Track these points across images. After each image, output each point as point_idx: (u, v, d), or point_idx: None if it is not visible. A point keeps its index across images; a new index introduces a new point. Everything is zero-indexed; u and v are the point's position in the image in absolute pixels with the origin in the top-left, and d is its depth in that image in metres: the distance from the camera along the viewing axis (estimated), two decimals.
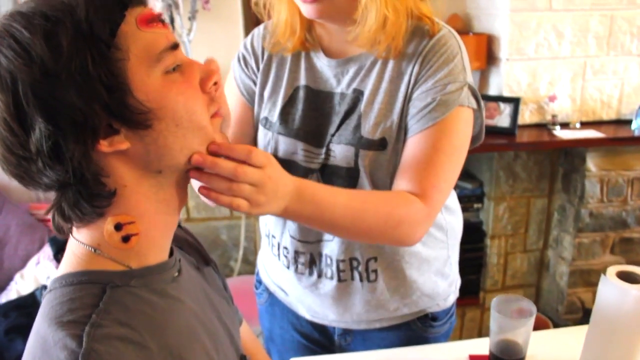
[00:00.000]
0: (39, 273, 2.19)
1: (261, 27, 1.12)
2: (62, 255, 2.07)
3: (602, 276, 1.07)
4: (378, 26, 0.93)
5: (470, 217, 2.51)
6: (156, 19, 0.63)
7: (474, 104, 0.97)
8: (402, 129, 0.97)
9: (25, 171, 0.60)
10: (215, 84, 0.69)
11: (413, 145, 0.96)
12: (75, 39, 0.55)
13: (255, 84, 1.10)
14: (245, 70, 1.11)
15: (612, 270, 1.07)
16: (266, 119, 1.07)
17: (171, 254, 0.73)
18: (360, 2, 0.91)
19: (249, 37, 1.13)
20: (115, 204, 0.63)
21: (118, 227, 0.63)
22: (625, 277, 1.03)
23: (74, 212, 0.62)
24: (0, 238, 2.27)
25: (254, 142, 1.11)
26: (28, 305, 2.13)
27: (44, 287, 2.16)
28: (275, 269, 1.17)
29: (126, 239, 0.64)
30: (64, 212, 0.63)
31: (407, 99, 0.96)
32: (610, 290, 0.95)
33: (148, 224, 0.66)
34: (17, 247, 2.29)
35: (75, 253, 0.65)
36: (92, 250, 0.64)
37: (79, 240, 0.65)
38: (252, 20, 2.39)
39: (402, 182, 0.95)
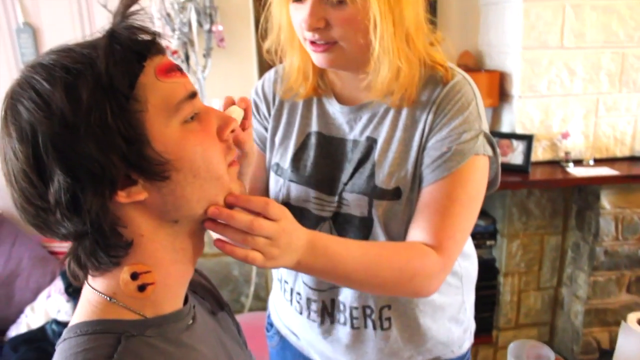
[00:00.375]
0: (49, 306, 2.19)
1: (272, 71, 1.12)
2: (72, 289, 2.05)
3: (623, 323, 1.05)
4: (391, 77, 0.92)
5: (483, 254, 2.48)
6: (174, 69, 0.63)
7: (489, 152, 0.96)
8: (416, 178, 0.96)
9: (43, 221, 0.60)
10: (233, 131, 0.69)
11: (428, 195, 0.94)
12: (95, 91, 0.56)
13: (266, 130, 1.10)
14: (257, 116, 1.11)
15: (632, 317, 1.05)
16: (277, 165, 1.07)
17: (186, 300, 0.72)
18: (372, 54, 0.91)
19: (260, 82, 1.13)
20: (132, 253, 0.63)
21: (134, 276, 0.63)
22: None
23: (91, 261, 0.62)
24: (12, 270, 2.28)
25: (267, 187, 1.10)
26: (38, 340, 2.12)
27: (55, 321, 2.15)
28: (287, 313, 1.16)
29: (142, 288, 0.64)
30: (80, 260, 0.63)
31: (422, 148, 0.95)
32: (631, 338, 0.94)
33: (164, 273, 0.65)
34: (29, 280, 2.30)
35: (90, 301, 0.64)
36: (108, 298, 0.63)
37: (94, 288, 0.65)
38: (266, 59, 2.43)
39: (416, 233, 0.93)
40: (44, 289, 2.27)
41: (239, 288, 2.50)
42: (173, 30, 2.06)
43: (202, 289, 0.84)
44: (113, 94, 0.57)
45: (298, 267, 0.78)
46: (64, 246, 2.37)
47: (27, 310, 2.22)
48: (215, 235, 0.71)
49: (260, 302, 2.52)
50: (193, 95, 0.64)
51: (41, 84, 0.56)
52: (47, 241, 2.40)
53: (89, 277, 0.65)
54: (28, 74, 0.58)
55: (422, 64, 0.96)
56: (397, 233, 0.98)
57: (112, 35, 0.58)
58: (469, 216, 0.94)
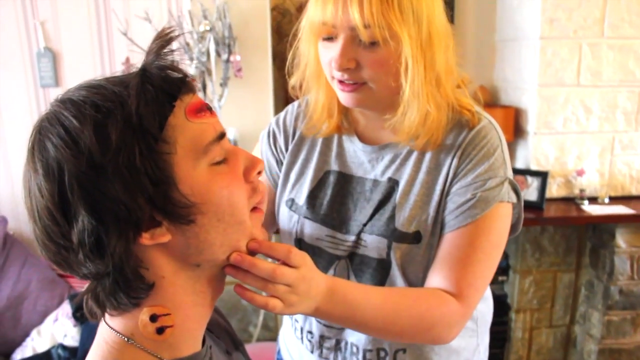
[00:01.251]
0: (56, 330, 2.17)
1: (295, 104, 1.11)
2: (80, 314, 2.02)
3: None
4: (420, 121, 0.91)
5: (495, 289, 2.45)
6: (204, 108, 0.62)
7: (514, 199, 0.95)
8: (437, 223, 0.94)
9: (64, 259, 0.59)
10: (259, 173, 0.68)
11: (450, 242, 0.92)
12: (125, 132, 0.55)
13: (279, 163, 1.09)
14: (273, 148, 1.10)
15: None
16: (292, 200, 1.06)
17: (203, 341, 0.71)
18: (402, 97, 0.90)
19: (282, 113, 1.12)
20: (152, 294, 0.62)
21: (153, 318, 0.62)
22: None
23: (110, 301, 0.61)
24: (20, 292, 2.26)
25: (273, 219, 1.10)
26: None
27: (61, 345, 2.13)
28: (298, 351, 1.14)
29: (161, 330, 0.62)
30: (98, 299, 0.62)
31: (446, 193, 0.94)
32: None
33: (183, 315, 0.64)
34: (36, 303, 2.28)
35: (107, 341, 0.63)
36: (125, 339, 0.62)
37: (111, 327, 0.63)
38: (282, 89, 2.45)
39: (437, 279, 0.91)
40: (52, 312, 2.25)
41: (248, 317, 2.48)
42: (191, 59, 2.08)
43: (217, 328, 0.82)
44: (142, 135, 0.55)
45: (316, 314, 0.77)
46: None
47: (34, 333, 2.20)
48: None
49: (269, 332, 2.50)
50: (222, 136, 0.63)
51: (70, 121, 0.55)
52: None
53: (107, 315, 0.64)
54: (57, 109, 0.57)
55: (450, 108, 0.95)
56: (415, 277, 0.97)
57: (144, 74, 0.58)
58: (490, 264, 0.93)
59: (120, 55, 2.33)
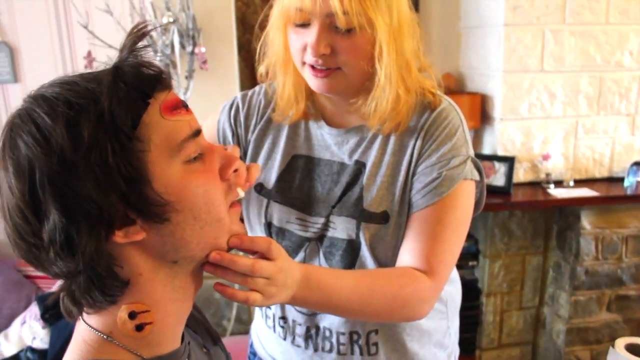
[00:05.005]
0: (24, 333, 2.12)
1: (263, 87, 1.11)
2: (49, 315, 1.98)
3: (611, 348, 1.06)
4: (392, 106, 0.94)
5: (465, 274, 2.49)
6: (180, 105, 0.61)
7: (476, 176, 0.98)
8: (404, 203, 0.97)
9: (35, 257, 0.58)
10: (235, 170, 0.67)
11: (418, 220, 0.95)
12: (97, 129, 0.54)
13: (234, 135, 1.09)
14: (232, 119, 1.09)
15: (620, 343, 1.06)
16: (261, 185, 1.06)
17: (182, 337, 0.70)
18: (378, 83, 0.93)
19: (250, 92, 1.12)
20: (130, 291, 0.61)
21: (132, 315, 0.61)
22: (633, 349, 1.02)
23: (85, 299, 0.60)
24: None
25: None
26: None
27: (29, 348, 2.08)
28: (270, 341, 1.14)
29: (140, 327, 0.62)
30: (74, 297, 0.60)
31: (412, 174, 0.97)
32: None
33: (163, 312, 0.64)
34: (2, 306, 2.23)
35: (85, 339, 0.62)
36: (104, 337, 0.61)
37: (90, 325, 0.62)
38: (249, 80, 2.42)
39: (407, 257, 0.94)
40: (19, 314, 2.20)
41: (221, 311, 2.46)
42: (155, 52, 2.04)
43: (194, 322, 0.82)
44: (115, 133, 0.54)
45: (293, 302, 0.79)
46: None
47: (1, 337, 2.15)
48: None
49: (243, 325, 2.49)
50: (197, 133, 0.62)
51: (42, 118, 0.54)
52: (22, 265, 2.33)
53: (84, 314, 0.63)
54: (29, 106, 0.56)
55: (415, 92, 0.98)
56: (385, 257, 0.99)
57: (116, 71, 0.57)
58: (458, 240, 0.96)
59: (81, 49, 2.26)
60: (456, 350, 1.18)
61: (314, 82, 0.94)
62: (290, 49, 0.96)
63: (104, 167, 0.54)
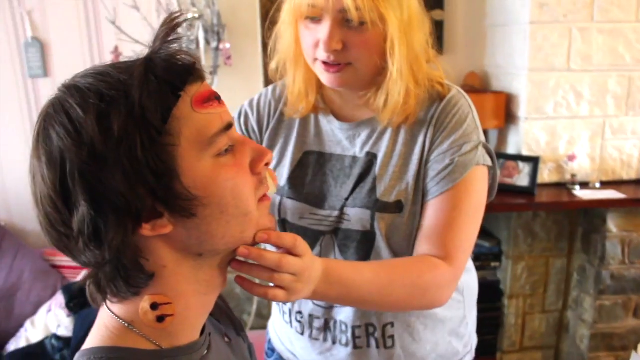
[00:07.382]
0: (50, 321, 2.17)
1: (269, 89, 1.12)
2: (74, 304, 2.02)
3: (634, 353, 1.03)
4: (404, 100, 0.95)
5: (487, 275, 2.45)
6: (212, 98, 0.61)
7: (489, 162, 0.99)
8: (418, 192, 0.98)
9: (65, 246, 0.59)
10: (267, 164, 0.67)
11: (434, 208, 0.96)
12: (127, 123, 0.54)
13: None
14: (244, 126, 1.11)
15: None
16: None
17: (203, 329, 0.71)
18: (390, 77, 0.93)
19: (256, 96, 1.13)
20: (154, 282, 0.62)
21: (154, 306, 0.62)
22: None
23: (110, 287, 0.61)
24: (13, 283, 2.26)
25: None
26: (37, 354, 2.10)
27: (54, 335, 2.13)
28: (289, 337, 1.15)
29: (161, 319, 0.62)
30: (100, 285, 0.62)
31: (425, 162, 0.98)
32: None
33: (184, 305, 0.64)
34: (30, 294, 2.28)
35: (107, 326, 0.63)
36: (126, 325, 0.62)
37: (113, 312, 0.63)
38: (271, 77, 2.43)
39: (425, 246, 0.95)
40: (45, 303, 2.25)
41: (241, 306, 2.49)
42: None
43: (218, 311, 0.82)
44: (145, 127, 0.55)
45: (313, 296, 0.79)
46: (65, 260, 2.36)
47: (27, 324, 2.20)
48: None
49: (263, 320, 2.50)
50: (229, 126, 0.62)
51: (75, 109, 0.55)
52: (49, 254, 2.39)
53: (108, 301, 0.64)
54: (63, 96, 0.57)
55: (425, 85, 0.99)
56: (400, 246, 0.99)
57: (148, 64, 0.57)
58: (473, 226, 0.97)
59: (109, 44, 2.31)
60: (474, 341, 1.18)
61: (326, 77, 0.95)
62: (302, 45, 0.97)
63: (133, 161, 0.54)
